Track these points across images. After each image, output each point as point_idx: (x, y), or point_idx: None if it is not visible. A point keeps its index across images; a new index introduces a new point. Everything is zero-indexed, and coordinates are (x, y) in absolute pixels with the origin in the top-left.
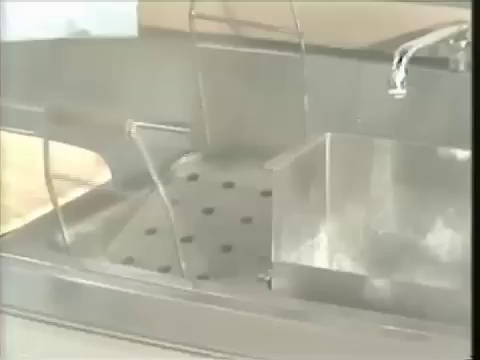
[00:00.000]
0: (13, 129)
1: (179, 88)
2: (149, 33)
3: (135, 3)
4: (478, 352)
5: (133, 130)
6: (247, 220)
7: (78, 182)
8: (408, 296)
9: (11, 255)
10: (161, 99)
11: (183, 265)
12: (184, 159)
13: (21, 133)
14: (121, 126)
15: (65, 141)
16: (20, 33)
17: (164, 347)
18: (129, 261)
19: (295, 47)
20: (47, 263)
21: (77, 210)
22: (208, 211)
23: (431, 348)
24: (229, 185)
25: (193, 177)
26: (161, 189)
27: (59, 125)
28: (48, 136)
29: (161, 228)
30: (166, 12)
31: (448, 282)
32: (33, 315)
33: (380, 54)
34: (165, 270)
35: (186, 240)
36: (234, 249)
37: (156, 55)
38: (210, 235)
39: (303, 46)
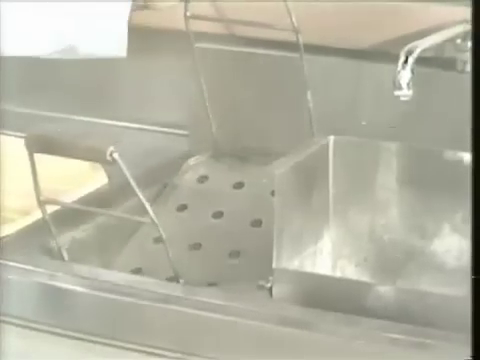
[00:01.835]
0: (10, 132)
1: (177, 89)
2: (142, 33)
3: (126, 23)
4: (478, 354)
5: (115, 155)
6: (257, 223)
7: (74, 186)
8: (414, 304)
9: (5, 261)
10: (159, 100)
11: (182, 277)
12: (193, 160)
13: (16, 136)
14: (102, 151)
15: None
16: (8, 50)
17: (162, 356)
18: (137, 271)
19: (295, 47)
20: (40, 270)
21: (71, 215)
22: (218, 215)
23: (437, 357)
24: (239, 186)
25: (202, 179)
26: (152, 214)
27: (40, 153)
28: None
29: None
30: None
31: (455, 289)
32: (27, 323)
33: (385, 54)
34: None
35: (195, 247)
36: (242, 255)
37: (151, 56)
38: (219, 241)
39: (301, 42)
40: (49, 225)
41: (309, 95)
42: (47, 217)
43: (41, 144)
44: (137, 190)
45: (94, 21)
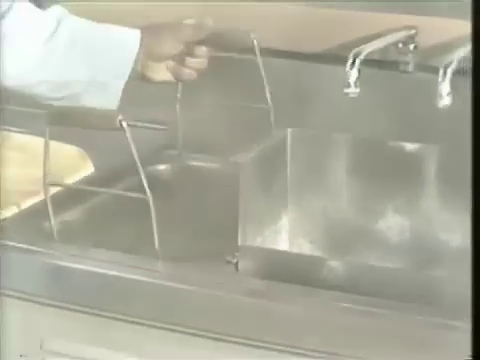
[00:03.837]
0: (12, 128)
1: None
2: None
3: (123, 84)
4: (478, 352)
5: (124, 123)
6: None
7: (64, 175)
8: (361, 276)
9: (5, 241)
10: (139, 99)
11: (158, 248)
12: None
13: (21, 132)
14: (113, 118)
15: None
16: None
17: (141, 324)
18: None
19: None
20: (37, 248)
21: (63, 200)
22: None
23: (382, 323)
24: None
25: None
26: (143, 178)
27: (59, 125)
28: (48, 135)
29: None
30: None
31: (397, 262)
32: (26, 296)
33: (335, 57)
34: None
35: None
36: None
37: None
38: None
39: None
40: (49, 206)
41: (268, 92)
42: (48, 199)
43: (60, 117)
44: (138, 162)
45: (98, 79)
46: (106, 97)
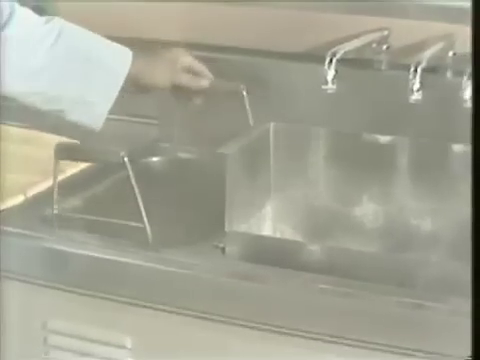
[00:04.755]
0: (15, 123)
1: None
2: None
3: (109, 106)
4: (478, 352)
5: (126, 159)
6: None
7: (60, 168)
8: (339, 259)
9: (8, 227)
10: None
11: (149, 234)
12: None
13: (22, 126)
14: (117, 154)
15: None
16: (10, 92)
17: (136, 305)
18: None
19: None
20: (38, 234)
21: (62, 190)
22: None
23: (356, 303)
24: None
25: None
26: (142, 210)
27: (67, 159)
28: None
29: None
30: None
31: (371, 246)
32: (26, 278)
33: (313, 56)
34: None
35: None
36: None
37: None
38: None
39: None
40: (53, 203)
41: (244, 90)
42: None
43: (67, 152)
44: (136, 191)
45: (86, 99)
46: (91, 117)
